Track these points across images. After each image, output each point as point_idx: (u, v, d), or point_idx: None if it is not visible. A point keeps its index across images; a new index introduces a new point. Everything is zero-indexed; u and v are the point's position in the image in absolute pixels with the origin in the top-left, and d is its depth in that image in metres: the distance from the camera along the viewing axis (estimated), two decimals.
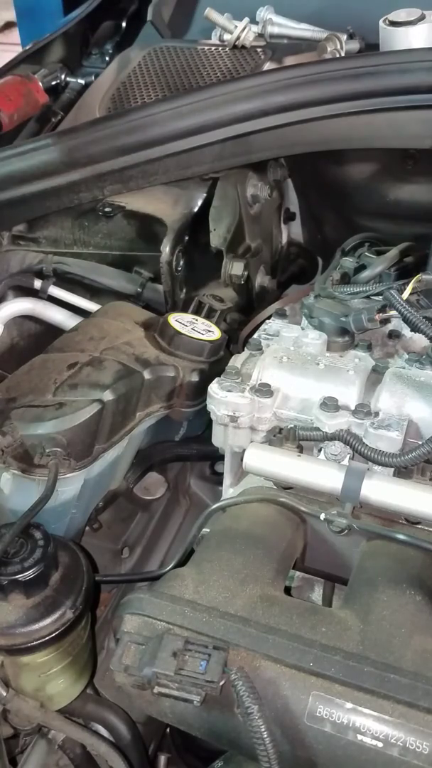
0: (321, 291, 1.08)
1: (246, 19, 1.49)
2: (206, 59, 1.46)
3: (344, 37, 1.35)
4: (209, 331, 1.10)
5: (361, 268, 1.15)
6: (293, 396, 0.93)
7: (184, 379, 1.02)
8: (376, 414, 0.88)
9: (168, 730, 1.01)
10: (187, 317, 1.12)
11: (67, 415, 0.88)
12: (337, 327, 1.02)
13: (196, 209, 1.26)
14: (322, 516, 0.81)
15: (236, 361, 0.99)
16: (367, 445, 0.84)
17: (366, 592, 0.74)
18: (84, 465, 0.91)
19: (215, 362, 1.07)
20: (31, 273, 1.29)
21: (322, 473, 0.84)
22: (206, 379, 0.99)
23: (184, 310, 1.20)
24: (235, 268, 1.33)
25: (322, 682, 0.64)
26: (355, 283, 1.10)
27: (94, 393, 0.91)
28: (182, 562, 0.86)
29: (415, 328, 0.97)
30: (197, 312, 1.19)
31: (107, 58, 1.71)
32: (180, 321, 1.09)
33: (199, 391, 1.03)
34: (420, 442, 0.82)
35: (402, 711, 0.61)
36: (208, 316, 1.19)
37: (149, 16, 1.65)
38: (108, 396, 0.92)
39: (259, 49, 1.47)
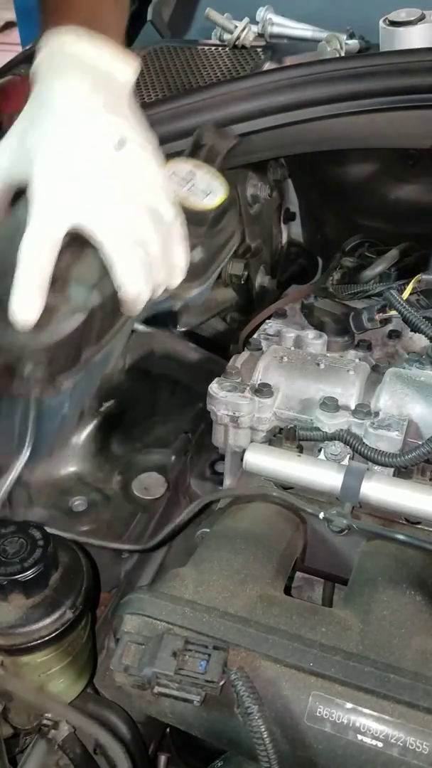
0: (321, 291, 1.08)
1: (246, 19, 1.49)
2: (206, 59, 1.46)
3: (344, 37, 1.35)
4: (211, 187, 0.90)
5: (361, 268, 1.15)
6: (293, 396, 0.93)
7: None
8: (376, 414, 0.89)
9: (168, 730, 1.00)
10: (184, 169, 0.91)
11: (46, 328, 0.73)
12: (337, 327, 1.02)
13: None
14: (322, 515, 0.81)
15: (236, 361, 0.99)
16: (367, 445, 0.84)
17: (366, 592, 0.74)
18: (71, 375, 0.79)
19: (219, 231, 0.90)
20: None
21: (321, 473, 0.84)
22: (208, 254, 0.87)
23: None
24: (235, 268, 1.32)
25: (322, 682, 0.64)
26: (356, 283, 1.10)
27: (77, 294, 0.75)
28: (169, 538, 0.86)
29: (415, 328, 0.97)
30: (193, 154, 0.98)
31: None
32: (177, 174, 0.89)
33: (202, 270, 0.88)
34: (420, 442, 0.82)
35: (402, 711, 0.61)
36: (208, 159, 0.97)
37: (149, 16, 1.65)
38: (94, 299, 0.75)
39: (259, 49, 1.47)
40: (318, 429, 0.88)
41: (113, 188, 0.71)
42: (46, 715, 0.87)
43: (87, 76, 0.74)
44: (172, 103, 1.11)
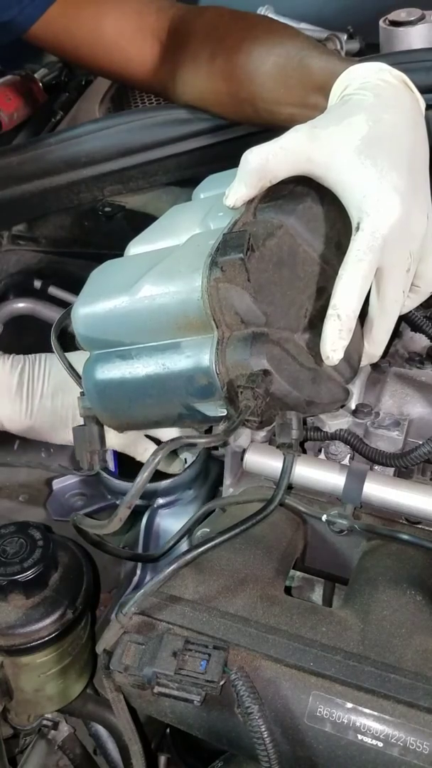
0: None
1: None
2: None
3: (344, 37, 1.35)
4: None
5: None
6: None
7: None
8: (377, 414, 0.88)
9: (168, 730, 1.00)
10: None
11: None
12: None
13: None
14: (324, 518, 0.81)
15: None
16: (367, 445, 0.83)
17: (366, 591, 0.74)
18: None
19: None
20: (31, 273, 1.29)
21: (322, 473, 0.84)
22: None
23: None
24: None
25: (322, 682, 0.64)
26: None
27: None
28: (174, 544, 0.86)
29: (415, 328, 0.97)
30: None
31: None
32: None
33: None
34: (420, 442, 0.82)
35: (402, 711, 0.61)
36: None
37: None
38: None
39: None
40: (319, 429, 0.88)
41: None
42: (46, 715, 0.87)
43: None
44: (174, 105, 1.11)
